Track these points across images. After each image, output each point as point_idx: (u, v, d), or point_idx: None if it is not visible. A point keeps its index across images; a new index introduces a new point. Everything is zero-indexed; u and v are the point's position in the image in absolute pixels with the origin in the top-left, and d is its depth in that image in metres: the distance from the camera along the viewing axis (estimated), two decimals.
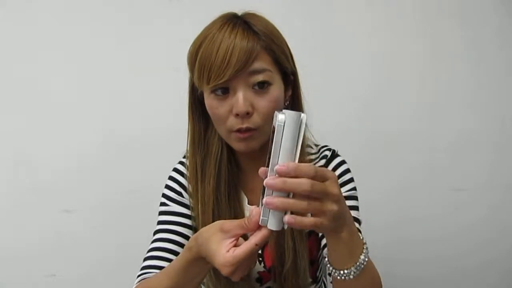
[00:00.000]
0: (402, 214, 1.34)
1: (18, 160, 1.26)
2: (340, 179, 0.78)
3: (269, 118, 0.64)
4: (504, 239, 1.37)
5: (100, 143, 1.28)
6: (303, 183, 0.47)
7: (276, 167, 0.47)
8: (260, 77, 0.66)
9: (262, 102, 0.66)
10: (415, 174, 1.34)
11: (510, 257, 1.37)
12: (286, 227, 0.50)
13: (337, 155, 0.81)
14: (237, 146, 0.70)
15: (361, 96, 1.31)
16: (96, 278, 1.30)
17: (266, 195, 0.49)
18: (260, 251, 0.77)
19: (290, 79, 0.74)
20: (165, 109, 1.26)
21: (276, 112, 0.49)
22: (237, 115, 0.66)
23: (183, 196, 0.79)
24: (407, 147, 1.33)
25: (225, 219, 0.67)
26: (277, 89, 0.68)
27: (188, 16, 1.26)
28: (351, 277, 0.57)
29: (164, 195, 0.80)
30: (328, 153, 0.80)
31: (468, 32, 1.32)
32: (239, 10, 0.71)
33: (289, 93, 0.75)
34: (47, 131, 1.26)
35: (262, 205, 0.50)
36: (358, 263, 0.57)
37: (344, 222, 0.53)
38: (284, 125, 0.48)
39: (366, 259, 0.58)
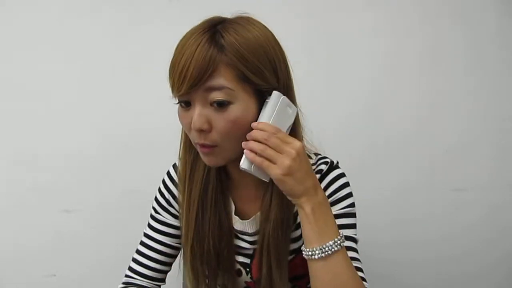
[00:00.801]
0: (402, 214, 1.34)
1: (18, 160, 1.26)
2: (334, 196, 0.74)
3: (228, 137, 0.63)
4: (505, 239, 1.36)
5: (100, 143, 1.28)
6: (260, 134, 0.61)
7: (252, 123, 0.64)
8: (217, 95, 0.60)
9: (220, 121, 0.62)
10: (415, 174, 1.34)
11: (511, 258, 1.37)
12: (252, 168, 0.63)
13: (335, 168, 0.77)
14: (203, 159, 0.68)
15: (361, 96, 1.31)
16: (96, 278, 1.30)
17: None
18: (248, 261, 0.78)
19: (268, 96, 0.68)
20: (165, 109, 1.25)
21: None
22: (194, 129, 0.63)
23: (171, 204, 0.81)
24: (407, 147, 1.33)
25: (208, 224, 0.72)
26: (239, 109, 0.62)
27: (188, 16, 1.24)
28: (316, 257, 0.61)
29: (155, 199, 0.83)
30: (324, 167, 0.76)
31: (468, 32, 1.31)
32: (233, 12, 0.68)
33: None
34: (47, 131, 1.26)
35: None
36: (323, 246, 0.61)
37: (305, 193, 0.61)
38: (268, 100, 0.65)
39: (335, 249, 0.61)
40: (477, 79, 1.33)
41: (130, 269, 0.81)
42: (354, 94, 1.31)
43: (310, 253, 0.62)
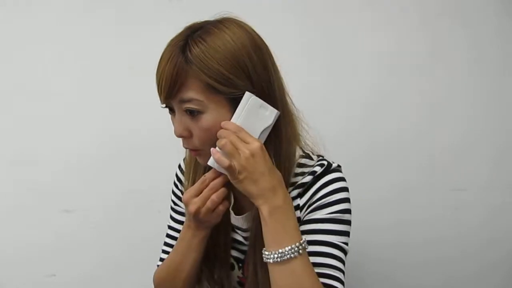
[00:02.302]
0: (402, 215, 1.34)
1: (18, 160, 1.26)
2: (326, 199, 0.70)
3: (207, 142, 0.67)
4: (506, 239, 1.36)
5: (100, 143, 1.28)
6: (224, 132, 0.64)
7: (222, 122, 0.66)
8: (188, 105, 0.64)
9: (195, 129, 0.67)
10: (416, 175, 1.34)
11: (511, 258, 1.37)
12: (215, 164, 0.66)
13: (333, 171, 0.73)
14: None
15: (361, 96, 1.31)
16: (96, 278, 1.30)
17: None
18: (242, 257, 0.79)
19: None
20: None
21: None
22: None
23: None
24: (407, 147, 1.33)
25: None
26: (211, 117, 0.65)
27: (188, 16, 1.25)
28: (270, 261, 0.62)
29: (172, 191, 0.88)
30: (318, 169, 0.72)
31: (468, 32, 1.31)
32: (216, 13, 0.70)
33: None
34: (47, 131, 1.26)
35: None
36: (280, 251, 0.61)
37: (260, 195, 0.63)
38: (241, 101, 0.65)
39: (293, 255, 0.61)
40: (477, 79, 1.33)
41: (161, 260, 0.85)
42: (354, 94, 1.31)
43: (267, 256, 0.63)
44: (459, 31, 1.31)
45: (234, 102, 0.65)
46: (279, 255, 0.61)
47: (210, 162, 0.67)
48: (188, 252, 0.73)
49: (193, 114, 0.65)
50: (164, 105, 0.70)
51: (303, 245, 0.62)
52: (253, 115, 0.65)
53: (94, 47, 1.26)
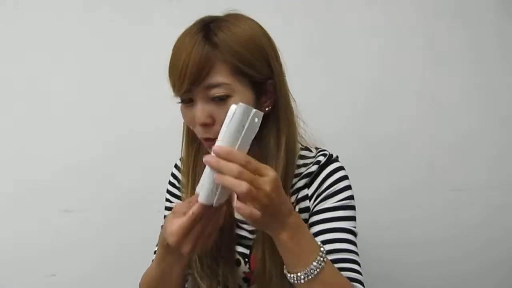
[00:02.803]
0: (402, 215, 1.34)
1: (18, 160, 1.26)
2: (333, 188, 0.74)
3: None
4: (505, 239, 1.36)
5: (100, 143, 1.28)
6: (233, 168, 0.52)
7: (213, 147, 0.54)
8: (216, 91, 0.64)
9: (222, 114, 0.64)
10: (415, 174, 1.34)
11: (511, 258, 1.37)
12: (215, 204, 0.56)
13: (334, 161, 0.77)
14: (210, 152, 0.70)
15: (361, 96, 1.31)
16: (96, 278, 1.30)
17: (205, 172, 0.56)
18: (247, 252, 0.78)
19: (265, 86, 0.70)
20: (165, 109, 1.25)
21: (233, 104, 0.57)
22: (198, 124, 0.67)
23: (182, 192, 0.83)
24: (407, 147, 1.33)
25: None
26: (237, 100, 0.65)
27: (188, 16, 1.25)
28: (302, 281, 0.60)
29: (167, 191, 0.87)
30: (322, 158, 0.76)
31: (468, 32, 1.31)
32: (223, 10, 0.71)
33: (270, 100, 0.72)
34: (47, 131, 1.26)
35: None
36: (308, 269, 0.59)
37: (279, 223, 0.58)
38: (233, 114, 0.55)
39: (320, 266, 0.59)
40: (477, 79, 1.33)
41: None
42: (353, 94, 1.31)
43: (295, 279, 0.61)
44: (459, 31, 1.31)
45: (256, 87, 0.68)
46: (310, 272, 0.59)
47: (203, 198, 0.56)
48: (168, 279, 0.68)
49: (221, 99, 0.65)
50: (179, 98, 0.68)
51: (323, 250, 0.61)
52: (249, 129, 0.57)
53: (94, 47, 1.26)
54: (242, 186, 0.52)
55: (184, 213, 0.58)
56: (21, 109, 1.26)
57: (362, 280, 0.69)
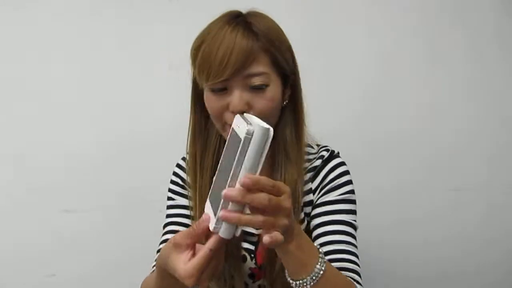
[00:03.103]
0: (401, 214, 1.34)
1: (18, 160, 1.26)
2: (335, 182, 0.77)
3: (265, 116, 0.65)
4: (505, 239, 1.37)
5: (100, 143, 1.27)
6: (262, 197, 0.49)
7: (240, 179, 0.48)
8: (257, 81, 0.67)
9: (259, 102, 0.68)
10: (415, 174, 1.34)
11: (511, 258, 1.37)
12: (238, 234, 0.51)
13: (336, 156, 0.81)
14: None
15: (361, 96, 1.31)
16: (96, 278, 1.30)
17: (222, 206, 0.49)
18: (253, 248, 0.78)
19: (289, 79, 0.74)
20: (165, 109, 1.26)
21: (241, 119, 0.54)
22: (233, 112, 0.67)
23: (185, 189, 0.83)
24: (407, 147, 1.33)
25: None
26: (274, 90, 0.69)
27: (188, 16, 1.26)
28: (308, 287, 0.59)
29: (169, 190, 0.86)
30: (325, 153, 0.79)
31: (467, 32, 1.32)
32: (243, 8, 0.71)
33: (288, 93, 0.75)
34: (47, 131, 1.26)
35: (214, 213, 0.51)
36: (313, 273, 0.59)
37: (291, 235, 0.56)
38: (251, 138, 0.48)
39: (323, 268, 0.59)
40: (477, 79, 1.33)
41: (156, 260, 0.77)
42: (353, 94, 1.31)
43: (300, 285, 0.60)
44: (459, 31, 1.32)
45: (284, 79, 0.72)
46: (315, 275, 0.59)
47: (225, 233, 0.50)
48: None
49: (260, 88, 0.67)
50: (210, 86, 0.68)
51: (321, 251, 0.61)
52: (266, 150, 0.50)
53: (94, 47, 1.26)
54: (285, 222, 0.52)
55: (188, 245, 0.53)
56: (21, 109, 1.26)
57: (359, 272, 0.70)
